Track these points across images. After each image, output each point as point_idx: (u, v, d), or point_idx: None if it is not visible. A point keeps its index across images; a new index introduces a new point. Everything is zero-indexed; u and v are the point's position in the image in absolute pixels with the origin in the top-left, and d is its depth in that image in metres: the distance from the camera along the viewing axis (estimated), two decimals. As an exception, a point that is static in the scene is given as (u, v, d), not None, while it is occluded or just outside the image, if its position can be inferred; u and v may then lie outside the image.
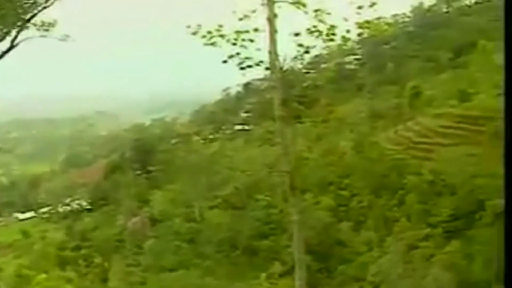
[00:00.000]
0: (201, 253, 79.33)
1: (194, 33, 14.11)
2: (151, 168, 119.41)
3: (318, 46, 14.61)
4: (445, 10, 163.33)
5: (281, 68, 13.66)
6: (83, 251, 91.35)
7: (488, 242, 58.72)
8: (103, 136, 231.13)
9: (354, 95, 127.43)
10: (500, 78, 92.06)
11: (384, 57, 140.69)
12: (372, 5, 14.01)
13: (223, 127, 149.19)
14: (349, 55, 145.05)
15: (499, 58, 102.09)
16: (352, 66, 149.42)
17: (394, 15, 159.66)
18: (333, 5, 14.04)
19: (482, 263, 58.42)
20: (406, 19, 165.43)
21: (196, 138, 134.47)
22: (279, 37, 13.82)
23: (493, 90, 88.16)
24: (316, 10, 13.77)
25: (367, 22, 14.48)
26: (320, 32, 13.88)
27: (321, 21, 13.76)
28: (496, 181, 62.41)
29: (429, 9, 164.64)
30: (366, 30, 14.96)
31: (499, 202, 58.59)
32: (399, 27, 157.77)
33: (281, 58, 13.72)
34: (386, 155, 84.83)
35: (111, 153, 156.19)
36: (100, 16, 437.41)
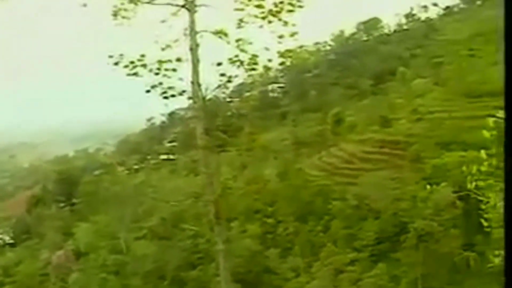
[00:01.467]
0: (127, 285, 77.80)
1: (116, 63, 14.03)
2: (75, 200, 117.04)
3: (241, 75, 14.76)
4: (365, 38, 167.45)
5: (203, 98, 13.72)
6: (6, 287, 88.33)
7: (413, 264, 60.01)
8: (25, 168, 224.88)
9: (278, 123, 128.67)
10: (418, 103, 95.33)
11: (307, 85, 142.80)
12: (293, 34, 14.28)
13: (148, 157, 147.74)
14: (272, 83, 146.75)
15: (418, 85, 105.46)
16: (276, 94, 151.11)
17: (316, 44, 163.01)
18: (254, 35, 14.24)
19: (407, 285, 59.67)
20: (328, 47, 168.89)
21: (120, 168, 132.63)
22: (201, 66, 13.91)
23: (412, 116, 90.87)
24: (237, 40, 13.94)
25: (289, 51, 14.73)
26: (242, 62, 14.05)
27: (242, 50, 13.93)
28: (418, 203, 64.03)
29: (349, 38, 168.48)
30: (288, 59, 15.21)
31: (422, 224, 60.03)
32: (320, 55, 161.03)
33: (203, 88, 13.78)
34: (310, 182, 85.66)
35: (34, 185, 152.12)
36: (21, 44, 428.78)
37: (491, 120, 10.01)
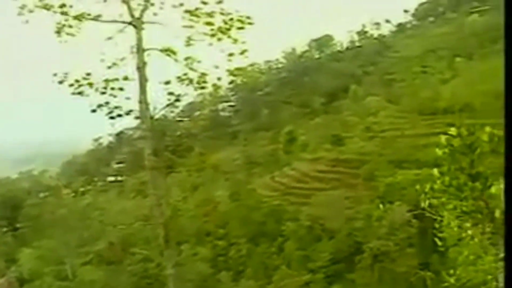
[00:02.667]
0: (74, 313, 76.45)
1: (61, 82, 13.87)
2: (18, 225, 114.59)
3: (190, 94, 14.74)
4: (317, 56, 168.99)
5: (151, 117, 13.64)
6: None
7: (368, 284, 60.37)
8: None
9: (229, 143, 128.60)
10: (371, 121, 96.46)
11: (259, 103, 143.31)
12: (243, 52, 14.31)
13: (95, 179, 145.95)
14: (223, 102, 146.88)
15: (370, 102, 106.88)
16: (227, 113, 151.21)
17: (267, 61, 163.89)
18: (204, 53, 14.26)
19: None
20: (279, 65, 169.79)
21: (66, 191, 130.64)
22: (149, 85, 13.84)
23: (365, 134, 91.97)
24: (186, 58, 13.94)
25: (239, 69, 14.76)
26: (191, 80, 14.04)
27: (191, 69, 13.92)
28: (373, 223, 64.58)
29: (301, 55, 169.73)
30: (239, 77, 15.24)
31: (377, 244, 60.53)
32: (272, 73, 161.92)
33: (151, 107, 13.70)
34: (263, 202, 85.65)
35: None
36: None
37: (443, 138, 10.18)
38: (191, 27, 14.14)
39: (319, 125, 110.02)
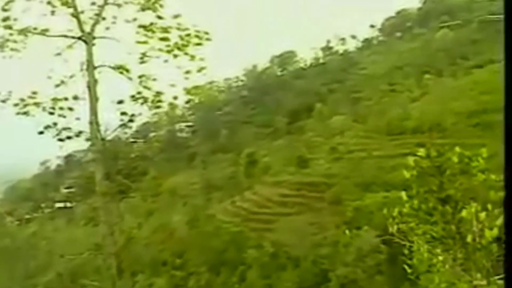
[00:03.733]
0: None
1: (4, 101, 13.70)
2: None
3: (145, 114, 14.69)
4: (279, 73, 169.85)
5: (103, 139, 13.53)
6: None
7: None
8: None
9: (186, 165, 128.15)
10: (337, 141, 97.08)
11: (218, 123, 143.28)
12: (201, 69, 14.31)
13: (42, 205, 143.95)
14: (180, 122, 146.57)
15: (336, 122, 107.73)
16: (184, 134, 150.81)
17: (227, 79, 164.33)
18: (159, 70, 14.22)
19: None
20: (240, 83, 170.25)
21: (9, 218, 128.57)
22: (101, 104, 13.75)
23: (331, 155, 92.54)
24: (140, 76, 13.90)
25: (196, 87, 14.75)
26: (146, 99, 13.99)
27: (146, 87, 13.88)
28: (339, 249, 64.74)
29: (262, 72, 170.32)
30: (196, 96, 15.23)
31: (345, 271, 60.68)
32: (232, 91, 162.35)
33: (103, 128, 13.61)
34: (223, 229, 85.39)
35: None
36: None
37: (411, 160, 10.28)
38: (145, 43, 14.13)
39: (282, 146, 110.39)
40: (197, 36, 14.30)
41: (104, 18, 14.27)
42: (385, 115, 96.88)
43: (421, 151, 10.16)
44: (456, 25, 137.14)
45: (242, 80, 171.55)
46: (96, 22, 14.23)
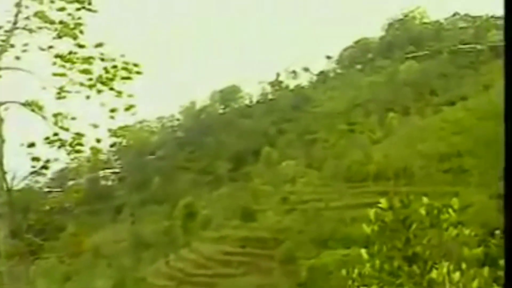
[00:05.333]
0: None
1: None
2: None
3: (62, 159, 14.49)
4: (221, 111, 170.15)
5: (9, 189, 13.26)
6: None
7: None
8: None
9: (112, 219, 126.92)
10: (288, 190, 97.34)
11: (149, 169, 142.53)
12: (129, 108, 14.19)
13: None
14: (104, 168, 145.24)
15: (287, 167, 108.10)
16: (109, 182, 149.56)
17: (160, 118, 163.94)
18: (79, 108, 14.07)
19: None
20: (175, 123, 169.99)
21: None
22: (7, 148, 13.51)
23: (281, 206, 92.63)
24: (56, 115, 13.71)
25: (123, 128, 14.62)
26: (63, 142, 13.79)
27: (63, 128, 13.68)
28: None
29: (202, 110, 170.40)
30: (123, 138, 15.10)
31: None
32: (166, 132, 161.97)
33: (9, 176, 13.36)
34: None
35: None
36: None
37: (371, 212, 10.26)
38: (63, 75, 14.00)
39: (224, 196, 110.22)
40: (125, 69, 14.22)
41: (12, 46, 14.13)
42: (343, 159, 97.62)
43: (383, 202, 10.15)
44: (424, 56, 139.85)
45: (177, 119, 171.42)
46: (3, 50, 14.07)
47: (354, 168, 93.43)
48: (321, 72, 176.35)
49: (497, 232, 12.85)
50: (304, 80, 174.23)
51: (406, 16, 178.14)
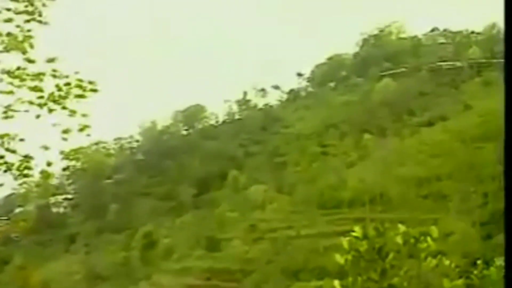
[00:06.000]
0: None
1: None
2: None
3: (8, 184, 14.38)
4: (184, 132, 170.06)
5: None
6: None
7: None
8: None
9: (64, 250, 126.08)
10: (257, 217, 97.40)
11: (106, 195, 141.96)
12: (84, 128, 14.11)
13: None
14: (56, 194, 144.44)
15: (255, 193, 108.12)
16: (61, 209, 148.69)
17: (117, 139, 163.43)
18: (28, 129, 14.00)
19: None
20: (134, 144, 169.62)
21: None
22: None
23: (249, 234, 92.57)
24: (2, 136, 13.63)
25: (77, 150, 14.54)
26: (9, 165, 13.71)
27: (9, 150, 13.61)
28: None
29: (163, 131, 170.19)
30: (77, 161, 15.01)
31: None
32: (125, 154, 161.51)
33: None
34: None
35: None
36: None
37: (345, 241, 10.26)
38: (10, 92, 13.92)
39: (187, 223, 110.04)
40: (79, 86, 14.13)
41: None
42: (316, 184, 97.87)
43: (357, 230, 10.15)
44: (401, 74, 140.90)
45: (137, 141, 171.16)
46: None
47: (327, 193, 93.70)
48: (292, 90, 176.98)
49: (479, 262, 12.93)
50: (273, 98, 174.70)
51: (381, 31, 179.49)
